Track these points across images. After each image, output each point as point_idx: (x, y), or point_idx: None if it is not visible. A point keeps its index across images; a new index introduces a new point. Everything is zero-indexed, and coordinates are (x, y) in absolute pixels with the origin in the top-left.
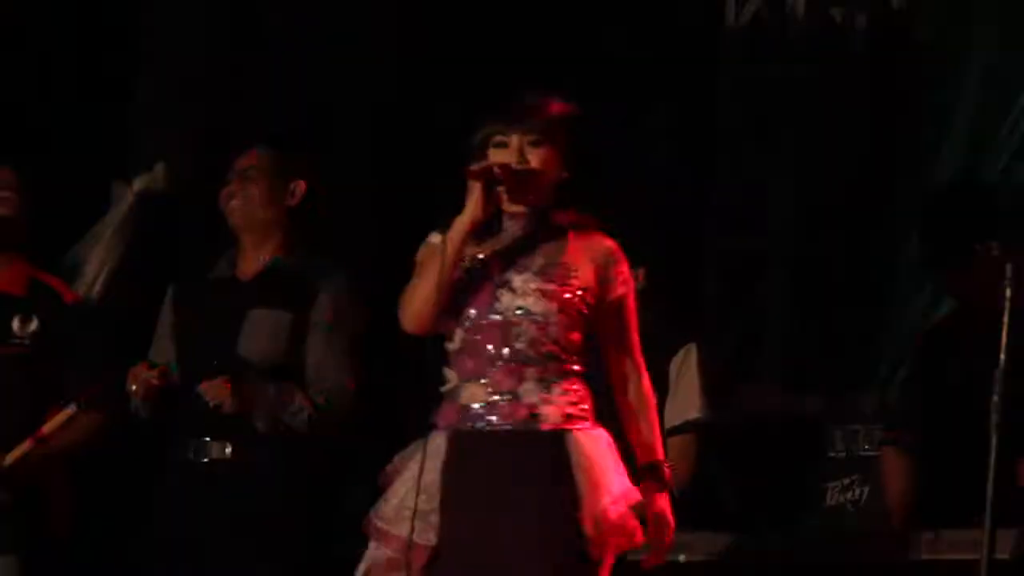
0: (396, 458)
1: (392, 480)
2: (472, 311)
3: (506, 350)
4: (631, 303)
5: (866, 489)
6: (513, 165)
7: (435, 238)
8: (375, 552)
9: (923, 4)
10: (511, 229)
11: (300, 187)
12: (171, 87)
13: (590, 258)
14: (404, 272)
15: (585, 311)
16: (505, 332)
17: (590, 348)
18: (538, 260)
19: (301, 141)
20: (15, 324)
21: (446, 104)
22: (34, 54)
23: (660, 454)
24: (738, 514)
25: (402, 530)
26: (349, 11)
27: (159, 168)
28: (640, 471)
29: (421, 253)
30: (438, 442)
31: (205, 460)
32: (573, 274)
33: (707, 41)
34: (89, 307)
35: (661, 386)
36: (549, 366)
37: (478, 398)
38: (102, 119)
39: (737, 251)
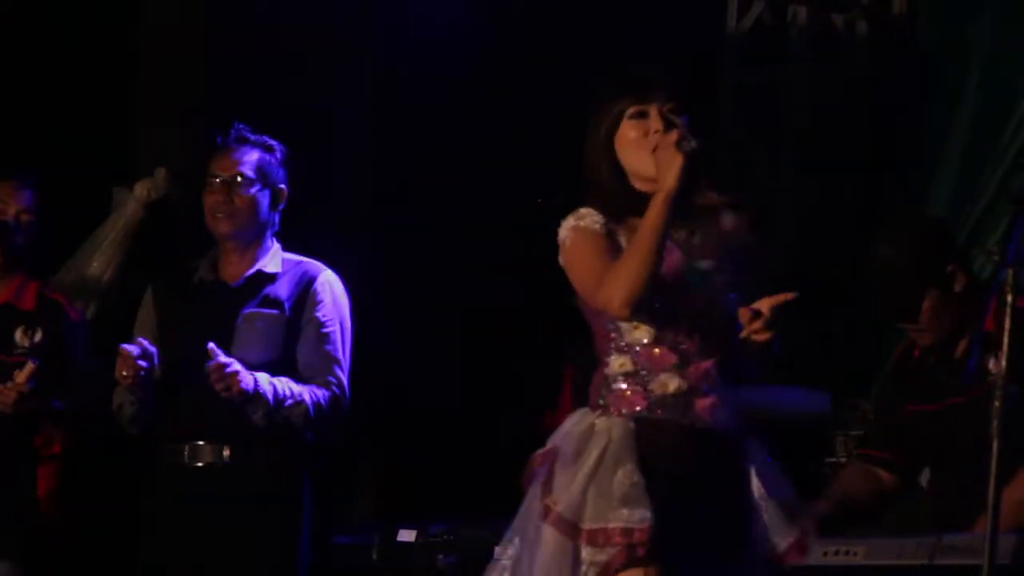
0: (559, 442)
1: (559, 468)
2: (666, 297)
3: (702, 339)
4: None
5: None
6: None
7: (588, 220)
8: (597, 555)
9: (924, 10)
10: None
11: (284, 195)
12: (171, 93)
13: (723, 243)
14: (399, 273)
15: None
16: (703, 321)
17: None
18: (704, 244)
19: (285, 142)
20: (18, 335)
21: (443, 104)
22: (34, 56)
23: None
24: None
25: (618, 520)
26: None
27: (160, 173)
28: None
29: (574, 236)
30: (619, 427)
31: (200, 464)
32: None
33: (709, 46)
34: (87, 324)
35: None
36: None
37: (671, 387)
38: (102, 123)
39: None
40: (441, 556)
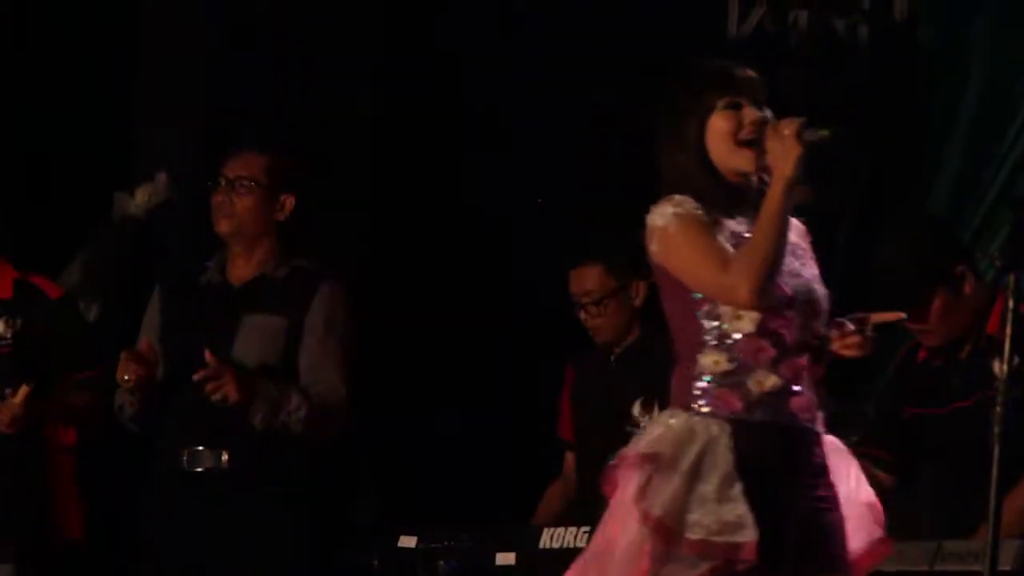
0: (652, 446)
1: (656, 473)
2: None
3: (800, 332)
4: None
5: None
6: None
7: (688, 206)
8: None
9: (925, 14)
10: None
11: (290, 202)
12: (171, 93)
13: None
14: (400, 279)
15: None
16: (802, 318)
17: None
18: (791, 238)
19: (293, 147)
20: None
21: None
22: (33, 59)
23: None
24: None
25: (724, 535)
26: (343, 16)
27: (160, 177)
28: None
29: (678, 222)
30: (715, 430)
31: (199, 470)
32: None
33: (709, 51)
34: (74, 302)
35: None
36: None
37: (767, 384)
38: (103, 126)
39: None
40: (442, 562)
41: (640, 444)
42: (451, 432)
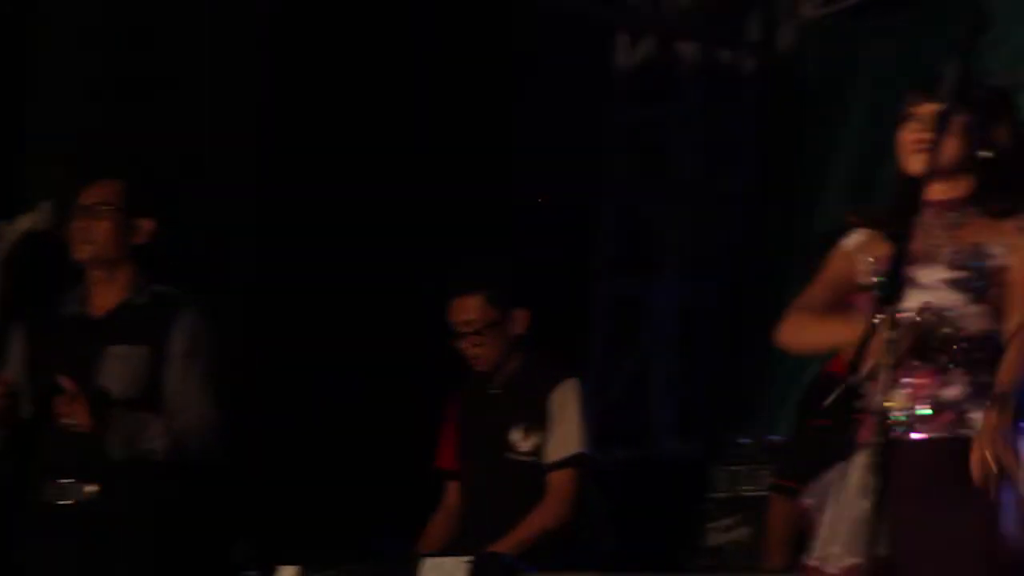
0: (811, 490)
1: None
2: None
3: (920, 353)
4: None
5: (748, 530)
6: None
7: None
8: None
9: (809, 47)
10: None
11: (148, 225)
12: (57, 119)
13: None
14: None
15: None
16: (914, 333)
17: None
18: (946, 248)
19: (152, 173)
20: None
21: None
22: None
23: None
24: (618, 554)
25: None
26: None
27: (44, 207)
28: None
29: None
30: (857, 461)
31: (65, 502)
32: (988, 256)
33: (598, 83)
34: None
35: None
36: (976, 371)
37: (896, 406)
38: None
39: (625, 291)
40: None
41: None
42: (334, 460)
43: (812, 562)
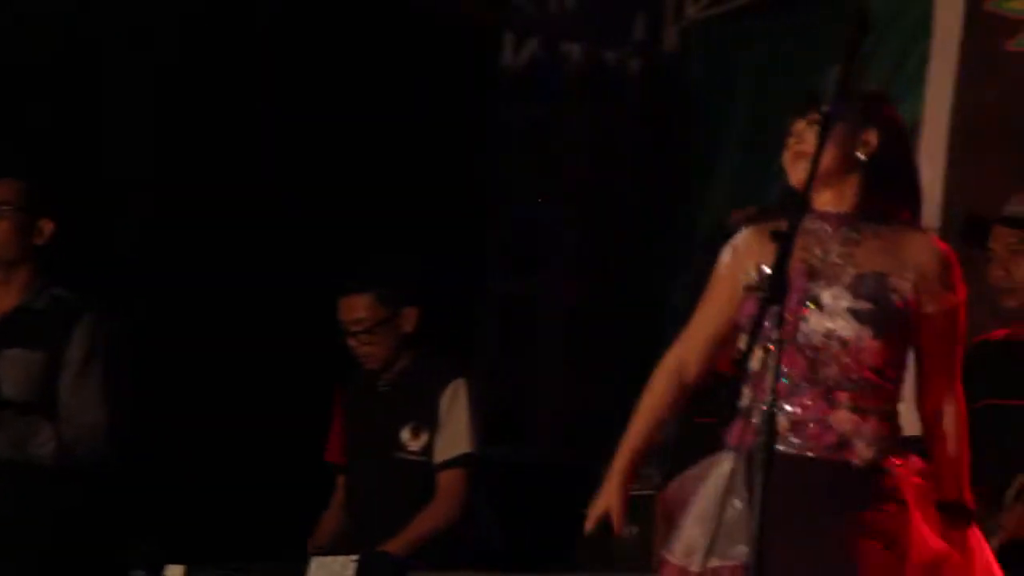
0: (675, 483)
1: (677, 508)
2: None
3: (812, 376)
4: (961, 317)
5: (636, 529)
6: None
7: None
8: None
9: (694, 47)
10: (819, 230)
11: (48, 226)
12: None
13: (912, 265)
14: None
15: (906, 330)
16: (812, 358)
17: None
18: (849, 271)
19: (54, 173)
20: None
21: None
22: None
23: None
24: (505, 554)
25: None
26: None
27: None
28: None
29: None
30: (726, 465)
31: None
32: (892, 291)
33: (483, 83)
34: None
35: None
36: (864, 393)
37: (781, 422)
38: None
39: (514, 293)
40: None
41: None
42: (222, 459)
43: (674, 560)
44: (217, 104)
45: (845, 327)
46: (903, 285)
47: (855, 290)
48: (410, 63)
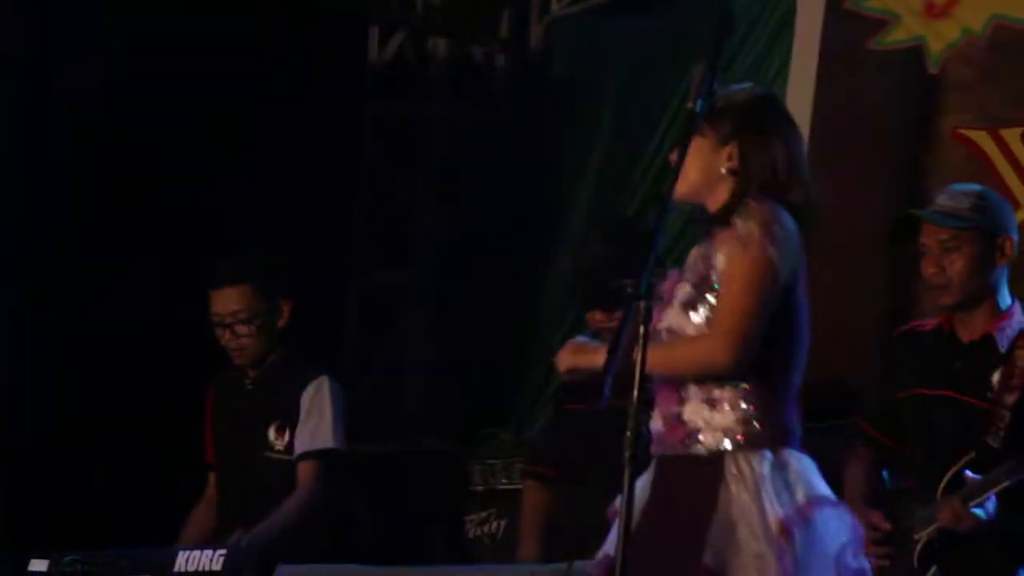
0: None
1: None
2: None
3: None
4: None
5: (503, 522)
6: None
7: None
8: None
9: (560, 47)
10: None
11: None
12: None
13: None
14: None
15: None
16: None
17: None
18: (698, 269)
19: None
20: None
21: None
22: None
23: None
24: (376, 546)
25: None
26: None
27: None
28: None
29: None
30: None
31: None
32: (712, 268)
33: (350, 77)
34: None
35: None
36: (707, 385)
37: (654, 421)
38: None
39: (380, 285)
40: None
41: None
42: (86, 451)
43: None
44: (84, 90)
45: (674, 318)
46: (718, 259)
47: (691, 282)
48: (275, 56)
